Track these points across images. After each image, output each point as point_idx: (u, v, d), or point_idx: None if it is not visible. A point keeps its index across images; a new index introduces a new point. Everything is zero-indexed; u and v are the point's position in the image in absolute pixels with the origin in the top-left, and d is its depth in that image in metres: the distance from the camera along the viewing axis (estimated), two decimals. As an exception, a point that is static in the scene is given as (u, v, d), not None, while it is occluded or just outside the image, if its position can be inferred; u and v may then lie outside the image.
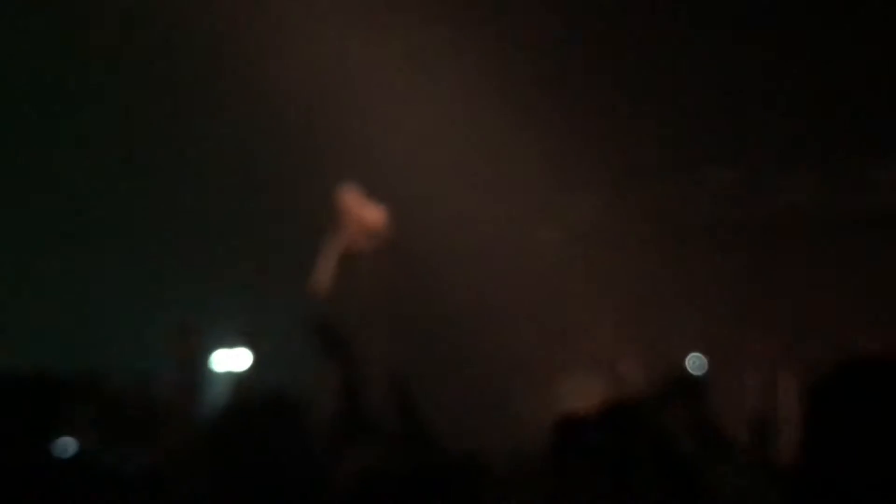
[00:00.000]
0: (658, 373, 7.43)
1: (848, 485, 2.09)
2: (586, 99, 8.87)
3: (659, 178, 9.28)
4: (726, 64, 8.75)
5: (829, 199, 8.91)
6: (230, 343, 7.99)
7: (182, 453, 4.21)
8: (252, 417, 4.38)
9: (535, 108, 8.56)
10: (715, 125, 8.80)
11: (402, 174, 8.18)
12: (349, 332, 4.12)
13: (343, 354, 4.24)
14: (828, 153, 8.90)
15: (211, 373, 7.69)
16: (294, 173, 8.56)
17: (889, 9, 8.24)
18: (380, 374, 6.35)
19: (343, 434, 4.19)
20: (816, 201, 8.94)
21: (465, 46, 8.48)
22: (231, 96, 8.56)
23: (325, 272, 6.62)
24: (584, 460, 2.95)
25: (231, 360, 7.92)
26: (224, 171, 8.80)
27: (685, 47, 8.73)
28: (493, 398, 7.85)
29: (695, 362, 7.41)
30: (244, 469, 3.48)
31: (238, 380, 7.65)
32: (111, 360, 6.38)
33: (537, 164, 8.67)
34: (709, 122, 8.74)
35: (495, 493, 3.10)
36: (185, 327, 6.86)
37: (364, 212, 6.58)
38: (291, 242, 8.38)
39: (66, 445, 3.39)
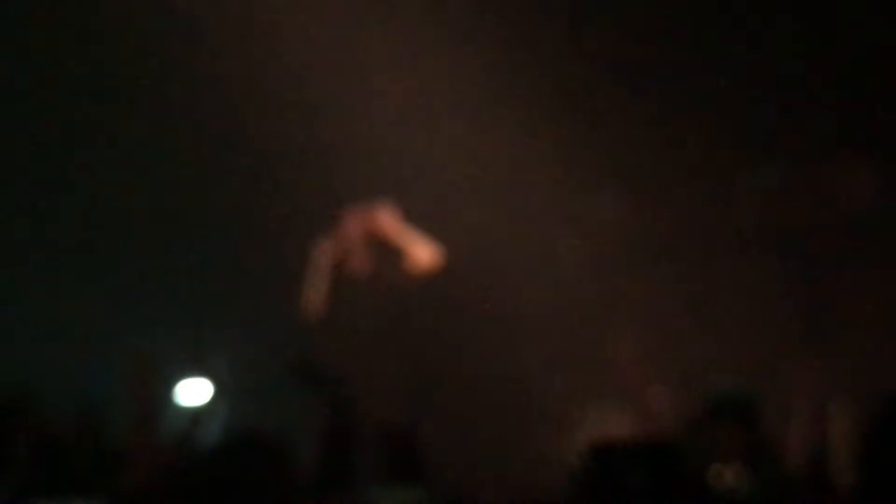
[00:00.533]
0: (693, 398, 7.67)
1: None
2: (609, 98, 8.98)
3: (694, 182, 9.37)
4: (765, 53, 8.91)
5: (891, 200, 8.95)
6: (192, 374, 8.14)
7: (139, 496, 4.26)
8: (219, 456, 4.37)
9: (554, 106, 8.72)
10: (756, 120, 8.91)
11: (405, 181, 8.47)
12: (333, 368, 4.18)
13: (325, 392, 4.32)
14: (890, 144, 8.98)
15: (171, 406, 7.87)
16: (264, 192, 8.79)
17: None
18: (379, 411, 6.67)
19: (323, 476, 4.28)
20: (875, 205, 8.99)
21: (479, 41, 8.68)
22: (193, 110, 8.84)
23: (318, 293, 6.97)
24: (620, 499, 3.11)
25: (193, 392, 8.10)
26: (183, 188, 8.97)
27: (720, 37, 8.91)
28: (508, 433, 8.05)
29: (729, 386, 7.50)
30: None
31: (201, 414, 7.81)
32: (55, 393, 6.49)
33: (556, 167, 8.82)
34: (749, 116, 8.88)
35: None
36: (142, 357, 7.00)
37: (402, 238, 7.08)
38: (260, 266, 8.74)
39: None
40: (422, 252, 7.14)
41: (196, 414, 7.70)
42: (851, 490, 2.53)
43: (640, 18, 9.06)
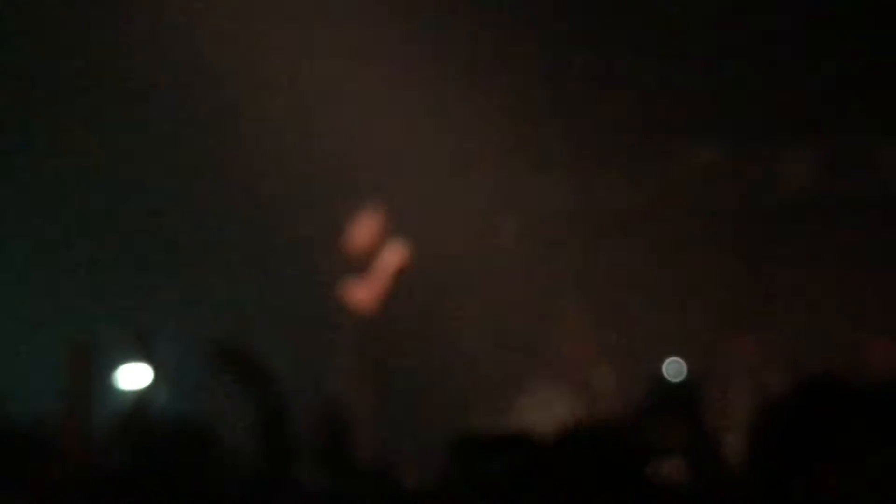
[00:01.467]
0: (634, 381, 7.70)
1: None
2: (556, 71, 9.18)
3: (635, 160, 9.48)
4: (711, 29, 8.98)
5: (830, 183, 9.08)
6: (131, 360, 8.18)
7: (72, 487, 4.23)
8: (156, 442, 4.33)
9: (496, 82, 8.82)
10: (700, 99, 9.01)
11: (348, 167, 8.62)
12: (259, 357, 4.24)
13: (253, 379, 4.32)
14: (829, 130, 9.08)
15: (110, 393, 7.92)
16: (205, 178, 8.88)
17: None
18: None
19: (258, 460, 4.28)
20: (815, 187, 9.14)
21: (423, 27, 8.76)
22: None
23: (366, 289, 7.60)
24: (551, 483, 3.05)
25: (132, 377, 8.17)
26: (125, 175, 9.08)
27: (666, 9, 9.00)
28: (451, 414, 8.14)
29: (673, 368, 7.50)
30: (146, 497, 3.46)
31: (139, 400, 7.83)
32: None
33: (498, 146, 8.95)
34: (693, 95, 8.97)
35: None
36: (80, 343, 6.98)
37: (382, 243, 7.64)
38: (197, 253, 8.99)
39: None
40: (393, 256, 7.65)
41: (135, 399, 7.72)
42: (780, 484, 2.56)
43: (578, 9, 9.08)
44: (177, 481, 3.63)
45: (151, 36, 8.74)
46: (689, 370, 7.56)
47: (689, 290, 8.66)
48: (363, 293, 7.61)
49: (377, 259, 7.65)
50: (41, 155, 9.08)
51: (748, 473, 2.82)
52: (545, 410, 8.24)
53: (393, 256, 7.63)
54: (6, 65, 8.82)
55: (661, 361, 7.69)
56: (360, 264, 7.67)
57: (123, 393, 8.00)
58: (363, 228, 7.70)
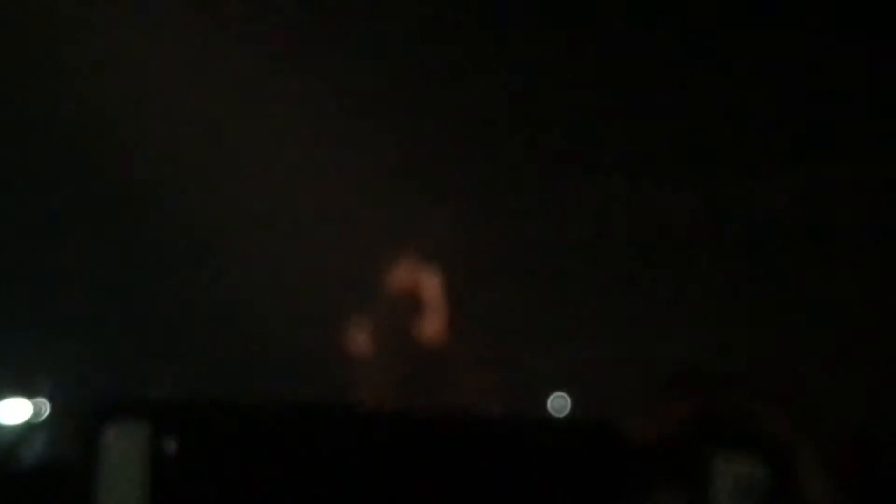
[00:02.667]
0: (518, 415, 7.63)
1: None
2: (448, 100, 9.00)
3: (527, 192, 9.57)
4: (600, 62, 8.98)
5: (714, 215, 9.21)
6: (14, 393, 8.20)
7: None
8: (28, 477, 4.27)
9: (383, 112, 8.72)
10: (591, 132, 9.02)
11: (228, 194, 8.50)
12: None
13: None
14: (713, 161, 9.26)
15: None
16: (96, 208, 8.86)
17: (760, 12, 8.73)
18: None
19: None
20: (700, 218, 9.28)
21: (303, 49, 8.66)
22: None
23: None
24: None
25: (13, 411, 8.24)
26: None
27: (557, 41, 8.96)
28: None
29: (558, 402, 7.56)
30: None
31: (20, 434, 7.80)
32: None
33: (386, 178, 8.76)
34: (584, 128, 8.97)
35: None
36: None
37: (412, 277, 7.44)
38: (85, 283, 8.81)
39: None
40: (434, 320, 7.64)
41: (15, 434, 7.71)
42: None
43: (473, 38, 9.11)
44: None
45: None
46: (574, 404, 7.66)
47: (578, 323, 8.73)
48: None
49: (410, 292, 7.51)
50: None
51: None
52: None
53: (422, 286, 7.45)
54: None
55: (547, 396, 7.78)
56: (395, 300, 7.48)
57: (3, 427, 8.03)
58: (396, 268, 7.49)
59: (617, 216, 9.38)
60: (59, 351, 8.46)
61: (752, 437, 3.65)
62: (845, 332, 8.61)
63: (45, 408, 8.10)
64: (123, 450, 2.81)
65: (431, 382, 8.16)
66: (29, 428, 7.82)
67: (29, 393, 8.12)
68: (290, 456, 2.47)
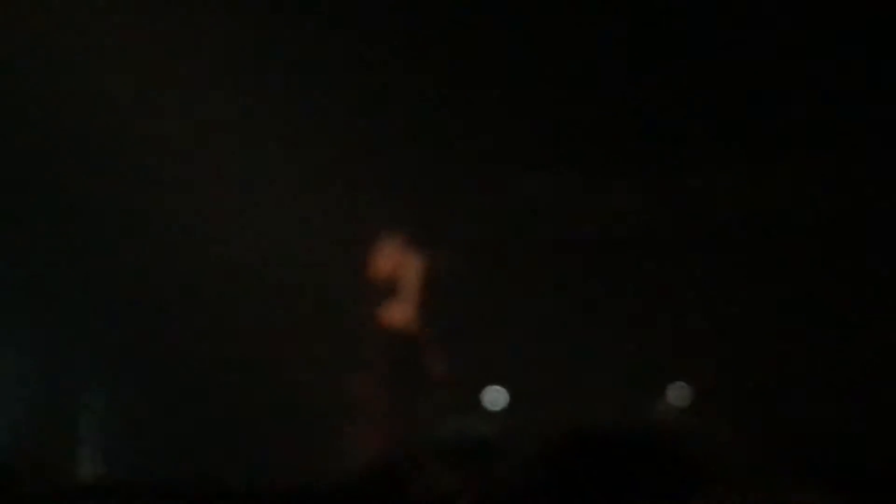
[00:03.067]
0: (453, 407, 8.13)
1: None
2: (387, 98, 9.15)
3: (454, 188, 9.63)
4: (526, 59, 9.10)
5: (655, 216, 9.36)
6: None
7: None
8: None
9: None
10: (520, 125, 9.08)
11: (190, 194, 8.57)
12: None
13: None
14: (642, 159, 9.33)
15: None
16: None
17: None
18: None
19: None
20: (631, 215, 9.38)
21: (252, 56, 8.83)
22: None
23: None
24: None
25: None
26: None
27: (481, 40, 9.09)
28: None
29: (492, 395, 7.62)
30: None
31: None
32: None
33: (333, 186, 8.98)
34: (513, 120, 9.05)
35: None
36: None
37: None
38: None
39: None
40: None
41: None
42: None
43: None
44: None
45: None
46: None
47: (514, 318, 8.80)
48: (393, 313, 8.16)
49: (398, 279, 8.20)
50: None
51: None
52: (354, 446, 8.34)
53: (412, 274, 8.16)
54: None
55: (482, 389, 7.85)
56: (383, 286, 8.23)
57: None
58: (383, 252, 8.25)
59: (556, 213, 9.46)
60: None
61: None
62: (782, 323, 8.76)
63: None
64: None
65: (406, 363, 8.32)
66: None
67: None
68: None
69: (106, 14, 8.72)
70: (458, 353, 8.92)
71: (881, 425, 7.90)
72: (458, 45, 9.27)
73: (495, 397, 7.87)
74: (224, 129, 8.88)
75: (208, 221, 8.78)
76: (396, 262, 8.99)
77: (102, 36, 8.69)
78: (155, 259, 8.91)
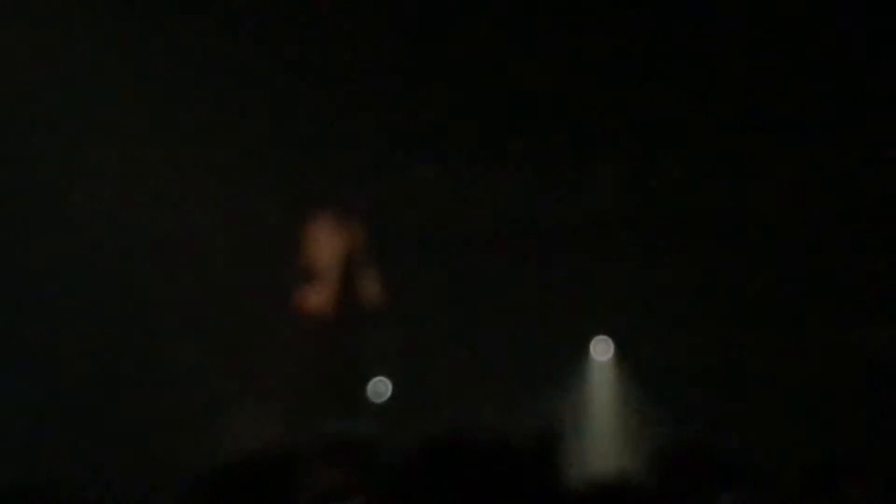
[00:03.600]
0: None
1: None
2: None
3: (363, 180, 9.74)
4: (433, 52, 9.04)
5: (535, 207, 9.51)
6: None
7: None
8: None
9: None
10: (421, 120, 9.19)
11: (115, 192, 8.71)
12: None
13: None
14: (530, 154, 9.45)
15: None
16: None
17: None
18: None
19: None
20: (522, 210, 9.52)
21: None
22: None
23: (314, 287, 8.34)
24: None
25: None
26: None
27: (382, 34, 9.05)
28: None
29: (378, 387, 7.64)
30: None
31: None
32: None
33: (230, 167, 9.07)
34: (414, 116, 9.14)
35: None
36: None
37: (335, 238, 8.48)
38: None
39: None
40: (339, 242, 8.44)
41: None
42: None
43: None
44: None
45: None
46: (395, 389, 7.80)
47: (403, 309, 8.90)
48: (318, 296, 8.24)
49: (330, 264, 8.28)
50: None
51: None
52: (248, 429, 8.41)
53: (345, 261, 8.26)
54: None
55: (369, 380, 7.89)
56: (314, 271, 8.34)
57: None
58: (317, 237, 8.33)
59: (450, 204, 9.53)
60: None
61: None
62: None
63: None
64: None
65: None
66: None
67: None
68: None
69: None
70: (347, 344, 9.09)
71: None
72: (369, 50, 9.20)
73: (381, 388, 7.91)
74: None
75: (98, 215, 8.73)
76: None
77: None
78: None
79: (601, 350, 9.13)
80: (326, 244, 8.72)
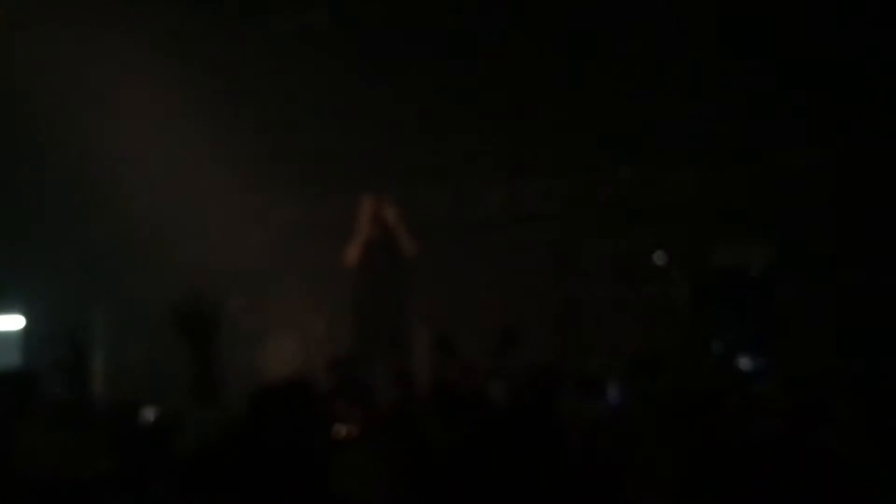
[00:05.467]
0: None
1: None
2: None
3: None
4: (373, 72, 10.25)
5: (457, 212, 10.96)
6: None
7: None
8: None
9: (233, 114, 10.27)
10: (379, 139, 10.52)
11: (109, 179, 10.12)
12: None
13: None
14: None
15: None
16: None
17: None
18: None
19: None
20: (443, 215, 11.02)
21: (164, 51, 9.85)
22: None
23: (353, 251, 8.78)
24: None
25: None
26: None
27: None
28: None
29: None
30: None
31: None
32: None
33: (243, 170, 10.57)
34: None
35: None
36: None
37: (381, 212, 8.82)
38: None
39: None
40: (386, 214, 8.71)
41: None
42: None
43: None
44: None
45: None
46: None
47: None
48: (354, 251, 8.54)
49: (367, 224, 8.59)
50: None
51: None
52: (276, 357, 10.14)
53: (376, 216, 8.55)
54: None
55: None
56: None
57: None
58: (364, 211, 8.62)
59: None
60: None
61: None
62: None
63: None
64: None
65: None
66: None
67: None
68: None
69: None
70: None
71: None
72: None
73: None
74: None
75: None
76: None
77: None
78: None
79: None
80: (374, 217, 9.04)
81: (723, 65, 9.53)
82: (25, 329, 10.41)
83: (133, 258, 10.44)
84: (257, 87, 10.80)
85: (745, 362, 8.56)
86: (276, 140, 11.06)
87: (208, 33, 10.38)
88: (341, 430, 4.47)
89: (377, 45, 10.43)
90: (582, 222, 10.85)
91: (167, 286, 9.05)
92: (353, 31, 10.61)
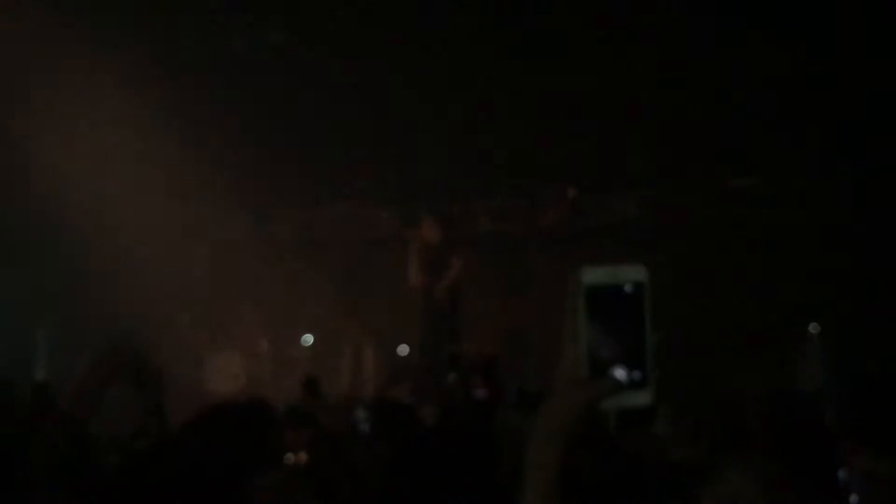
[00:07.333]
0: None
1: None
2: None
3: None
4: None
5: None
6: None
7: None
8: None
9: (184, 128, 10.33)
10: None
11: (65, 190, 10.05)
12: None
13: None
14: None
15: None
16: None
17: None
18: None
19: None
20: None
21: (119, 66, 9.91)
22: None
23: (416, 274, 9.32)
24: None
25: None
26: None
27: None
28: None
29: (307, 340, 10.20)
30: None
31: None
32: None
33: (193, 185, 10.64)
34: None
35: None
36: None
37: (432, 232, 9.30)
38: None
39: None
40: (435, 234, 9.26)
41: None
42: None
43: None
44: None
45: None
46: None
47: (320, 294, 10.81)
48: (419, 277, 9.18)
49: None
50: None
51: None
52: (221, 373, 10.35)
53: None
54: None
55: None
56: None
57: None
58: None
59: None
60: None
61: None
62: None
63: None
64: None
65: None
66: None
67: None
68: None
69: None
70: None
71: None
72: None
73: (310, 341, 10.41)
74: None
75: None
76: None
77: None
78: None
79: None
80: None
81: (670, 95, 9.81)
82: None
83: (77, 276, 10.45)
84: (213, 103, 10.78)
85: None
86: (226, 157, 11.10)
87: (165, 51, 10.38)
88: (290, 458, 4.39)
89: (332, 62, 10.53)
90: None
91: (111, 303, 9.79)
92: (309, 49, 10.71)
